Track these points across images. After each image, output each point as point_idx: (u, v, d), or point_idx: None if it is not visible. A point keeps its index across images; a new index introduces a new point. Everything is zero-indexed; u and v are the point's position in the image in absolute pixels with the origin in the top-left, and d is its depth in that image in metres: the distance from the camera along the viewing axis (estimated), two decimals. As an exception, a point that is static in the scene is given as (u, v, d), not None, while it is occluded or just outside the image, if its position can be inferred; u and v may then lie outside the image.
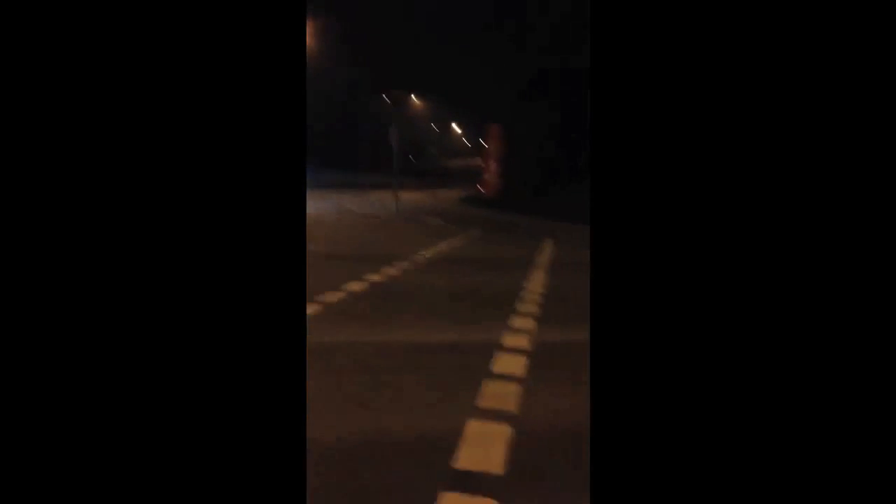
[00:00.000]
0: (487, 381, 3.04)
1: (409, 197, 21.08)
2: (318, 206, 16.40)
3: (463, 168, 37.22)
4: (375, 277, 5.92)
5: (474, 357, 3.43)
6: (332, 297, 4.91)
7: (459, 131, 59.74)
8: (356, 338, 3.75)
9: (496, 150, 19.68)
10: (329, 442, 2.26)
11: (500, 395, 2.86)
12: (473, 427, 2.46)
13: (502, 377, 3.11)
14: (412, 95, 40.89)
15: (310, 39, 30.35)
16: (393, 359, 3.39)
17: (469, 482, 2.02)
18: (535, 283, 5.91)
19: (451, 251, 8.54)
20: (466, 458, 2.18)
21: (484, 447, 2.27)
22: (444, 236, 10.28)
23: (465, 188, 24.76)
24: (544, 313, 4.61)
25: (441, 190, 26.78)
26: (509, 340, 3.79)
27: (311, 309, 4.44)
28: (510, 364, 3.34)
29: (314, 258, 7.18)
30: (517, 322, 4.29)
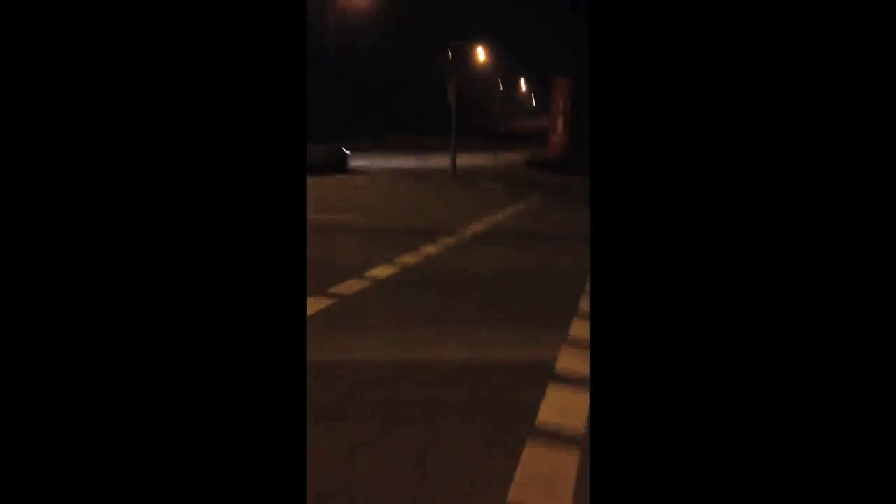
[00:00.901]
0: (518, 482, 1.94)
1: (470, 160, 20.17)
2: (375, 170, 15.73)
3: (531, 128, 35.90)
4: (411, 259, 5.14)
5: (499, 408, 2.55)
6: (352, 286, 4.20)
7: (526, 89, 57.52)
8: (346, 356, 2.98)
9: (564, 106, 18.26)
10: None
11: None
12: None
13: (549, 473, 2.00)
14: (478, 48, 39.39)
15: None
16: (379, 407, 2.56)
17: None
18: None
19: (505, 222, 7.65)
20: None
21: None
22: (502, 204, 9.38)
23: (531, 149, 23.58)
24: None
25: (505, 152, 25.76)
26: (566, 364, 2.89)
27: (319, 304, 3.71)
28: (564, 416, 2.46)
29: (354, 233, 6.48)
30: (578, 329, 3.39)
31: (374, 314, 3.62)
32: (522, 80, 57.66)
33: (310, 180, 4.90)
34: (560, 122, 18.32)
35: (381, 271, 4.67)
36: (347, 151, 15.50)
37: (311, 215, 5.46)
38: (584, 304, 3.79)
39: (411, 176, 14.61)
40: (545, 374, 2.70)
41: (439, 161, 17.75)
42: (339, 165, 14.69)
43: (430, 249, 5.61)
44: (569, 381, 2.64)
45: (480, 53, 43.83)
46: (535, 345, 3.14)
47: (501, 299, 4.07)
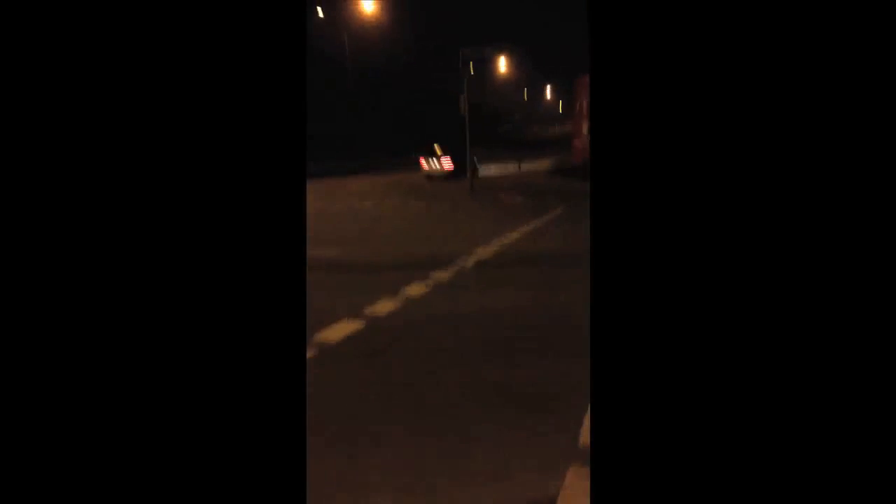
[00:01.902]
0: None
1: (493, 171, 19.05)
2: (384, 190, 14.74)
3: (557, 135, 34.69)
4: (385, 307, 4.05)
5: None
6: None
7: (550, 97, 56.12)
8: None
9: (587, 107, 17.00)
10: None
11: None
12: None
13: None
14: (500, 58, 38.09)
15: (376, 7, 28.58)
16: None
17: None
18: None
19: (520, 243, 6.51)
20: None
21: None
22: (519, 220, 8.24)
23: (556, 157, 22.43)
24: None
25: (530, 159, 24.66)
26: None
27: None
28: None
29: (334, 269, 5.40)
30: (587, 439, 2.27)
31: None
32: (548, 86, 56.41)
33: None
34: (584, 124, 17.03)
35: (337, 330, 3.59)
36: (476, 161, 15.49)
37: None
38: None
39: (421, 195, 13.53)
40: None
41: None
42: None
43: (414, 290, 4.52)
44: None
45: (502, 64, 42.77)
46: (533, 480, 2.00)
47: (485, 381, 2.85)
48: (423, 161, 18.07)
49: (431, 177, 17.71)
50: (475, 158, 15.23)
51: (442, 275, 5.03)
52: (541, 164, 21.22)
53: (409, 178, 17.98)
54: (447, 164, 17.46)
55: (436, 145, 17.80)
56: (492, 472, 2.03)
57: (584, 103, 16.68)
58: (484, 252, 6.02)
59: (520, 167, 20.58)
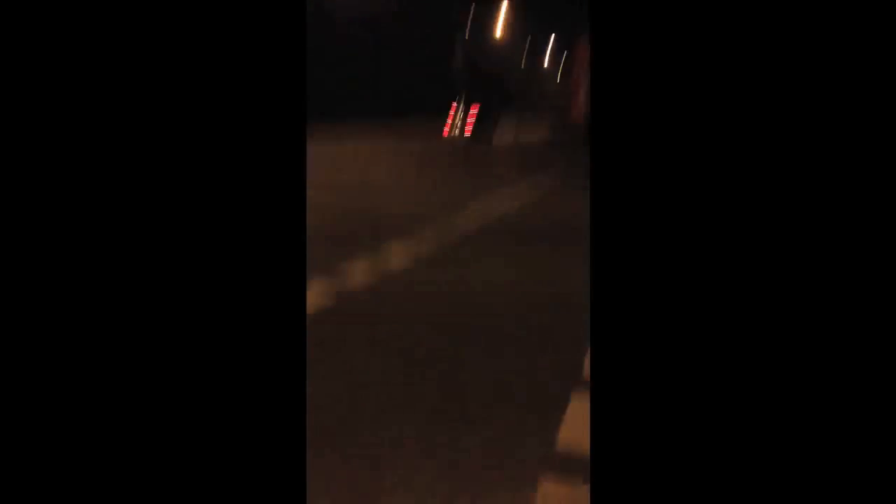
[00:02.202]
0: None
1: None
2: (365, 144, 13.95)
3: (557, 92, 33.70)
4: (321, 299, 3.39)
5: None
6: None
7: (550, 59, 54.67)
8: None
9: (584, 73, 16.04)
10: None
11: None
12: None
13: None
14: (502, 6, 36.73)
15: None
16: None
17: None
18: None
19: (500, 213, 5.83)
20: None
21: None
22: (503, 184, 7.54)
23: (554, 117, 21.66)
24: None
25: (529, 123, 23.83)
26: None
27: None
28: None
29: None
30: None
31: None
32: (549, 45, 54.99)
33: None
34: (583, 83, 16.18)
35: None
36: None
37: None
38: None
39: (406, 153, 12.76)
40: None
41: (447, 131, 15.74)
42: None
43: (358, 280, 3.85)
44: None
45: (501, 18, 41.23)
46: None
47: (459, 388, 2.26)
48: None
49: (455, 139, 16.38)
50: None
51: (400, 259, 4.36)
52: (540, 128, 20.48)
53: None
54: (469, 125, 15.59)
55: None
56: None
57: (582, 62, 15.84)
58: (460, 219, 5.35)
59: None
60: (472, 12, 13.11)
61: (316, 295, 3.18)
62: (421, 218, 5.24)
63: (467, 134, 15.28)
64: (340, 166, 8.96)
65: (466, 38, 13.05)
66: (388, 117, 19.40)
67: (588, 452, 1.34)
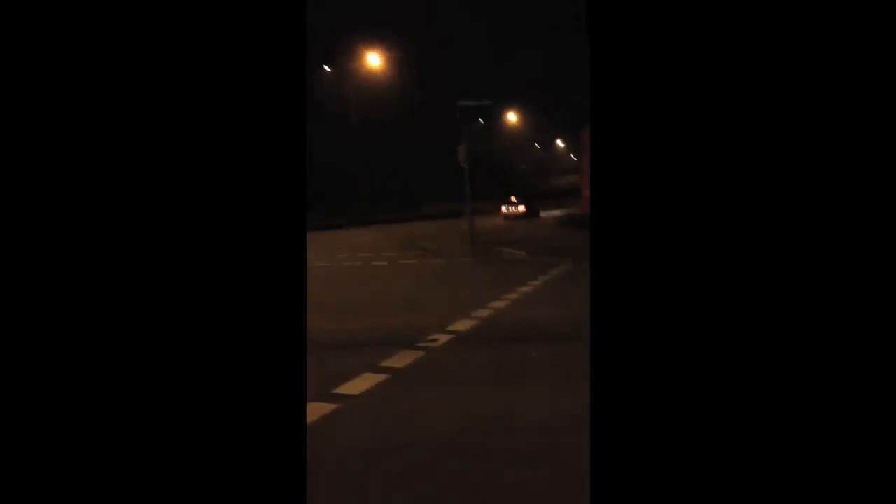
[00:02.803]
0: None
1: (499, 225, 18.00)
2: (386, 251, 13.72)
3: (566, 184, 33.86)
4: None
5: None
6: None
7: (563, 146, 55.59)
8: None
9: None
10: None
11: None
12: None
13: None
14: (510, 112, 37.90)
15: (384, 66, 28.06)
16: None
17: None
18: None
19: (512, 310, 5.38)
20: None
21: None
22: (517, 281, 7.11)
23: (566, 207, 21.53)
24: None
25: (541, 211, 23.60)
26: None
27: None
28: None
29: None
30: None
31: None
32: (559, 138, 56.04)
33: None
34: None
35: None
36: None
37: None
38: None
39: (421, 252, 12.47)
40: None
41: (463, 230, 15.55)
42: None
43: (356, 386, 3.39)
44: None
45: (511, 116, 42.51)
46: None
47: None
48: (502, 206, 24.24)
49: (508, 217, 23.54)
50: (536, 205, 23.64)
51: (398, 360, 3.90)
52: (552, 215, 20.26)
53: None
54: (521, 208, 23.59)
55: (512, 196, 24.61)
56: None
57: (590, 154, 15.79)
58: (464, 324, 4.90)
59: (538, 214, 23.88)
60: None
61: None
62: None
63: (523, 211, 23.44)
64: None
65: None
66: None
67: None
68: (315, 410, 2.96)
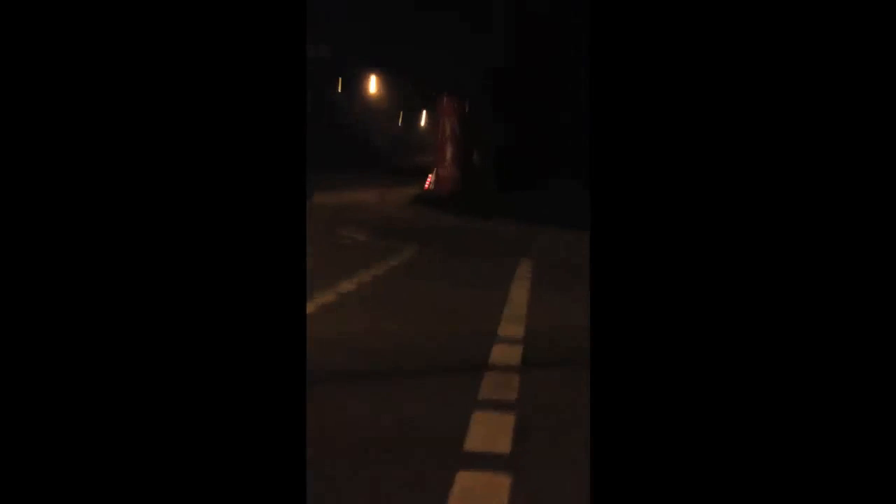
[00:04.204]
0: None
1: (351, 198, 16.86)
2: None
3: (427, 162, 33.36)
4: None
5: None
6: None
7: (426, 123, 55.11)
8: None
9: (452, 131, 15.17)
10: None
11: None
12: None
13: None
14: (371, 77, 36.62)
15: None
16: None
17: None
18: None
19: (328, 317, 4.34)
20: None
21: None
22: (353, 268, 6.06)
23: (421, 184, 20.88)
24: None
25: (398, 187, 22.86)
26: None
27: None
28: None
29: None
30: None
31: None
32: (424, 112, 55.38)
33: None
34: (448, 150, 15.31)
35: None
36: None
37: None
38: None
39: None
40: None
41: (318, 199, 14.14)
42: None
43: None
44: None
45: (372, 84, 40.91)
46: None
47: None
48: None
49: None
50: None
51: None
52: (405, 193, 19.49)
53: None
54: None
55: None
56: None
57: (447, 128, 15.00)
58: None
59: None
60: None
61: None
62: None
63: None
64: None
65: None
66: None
67: None
68: None
